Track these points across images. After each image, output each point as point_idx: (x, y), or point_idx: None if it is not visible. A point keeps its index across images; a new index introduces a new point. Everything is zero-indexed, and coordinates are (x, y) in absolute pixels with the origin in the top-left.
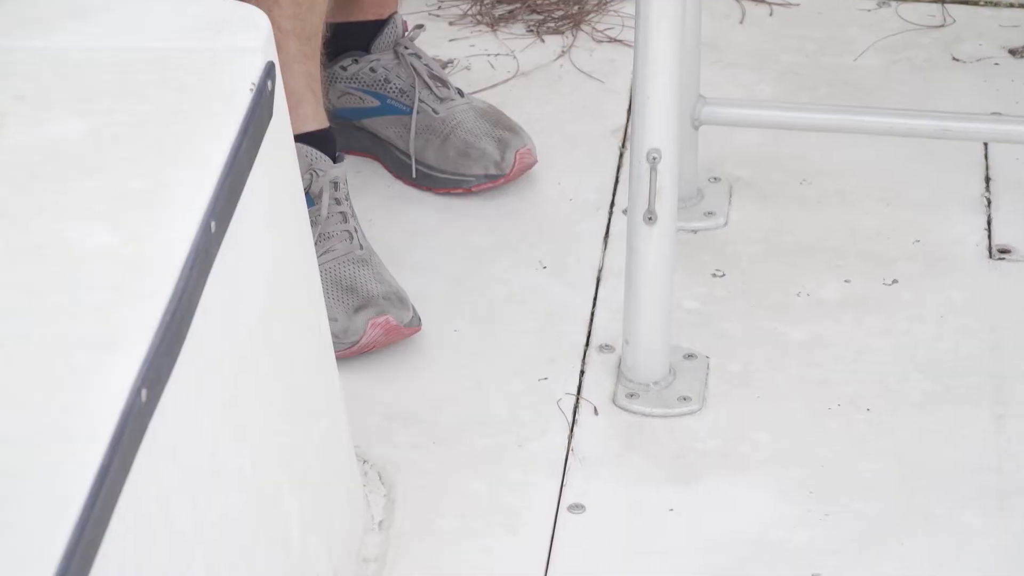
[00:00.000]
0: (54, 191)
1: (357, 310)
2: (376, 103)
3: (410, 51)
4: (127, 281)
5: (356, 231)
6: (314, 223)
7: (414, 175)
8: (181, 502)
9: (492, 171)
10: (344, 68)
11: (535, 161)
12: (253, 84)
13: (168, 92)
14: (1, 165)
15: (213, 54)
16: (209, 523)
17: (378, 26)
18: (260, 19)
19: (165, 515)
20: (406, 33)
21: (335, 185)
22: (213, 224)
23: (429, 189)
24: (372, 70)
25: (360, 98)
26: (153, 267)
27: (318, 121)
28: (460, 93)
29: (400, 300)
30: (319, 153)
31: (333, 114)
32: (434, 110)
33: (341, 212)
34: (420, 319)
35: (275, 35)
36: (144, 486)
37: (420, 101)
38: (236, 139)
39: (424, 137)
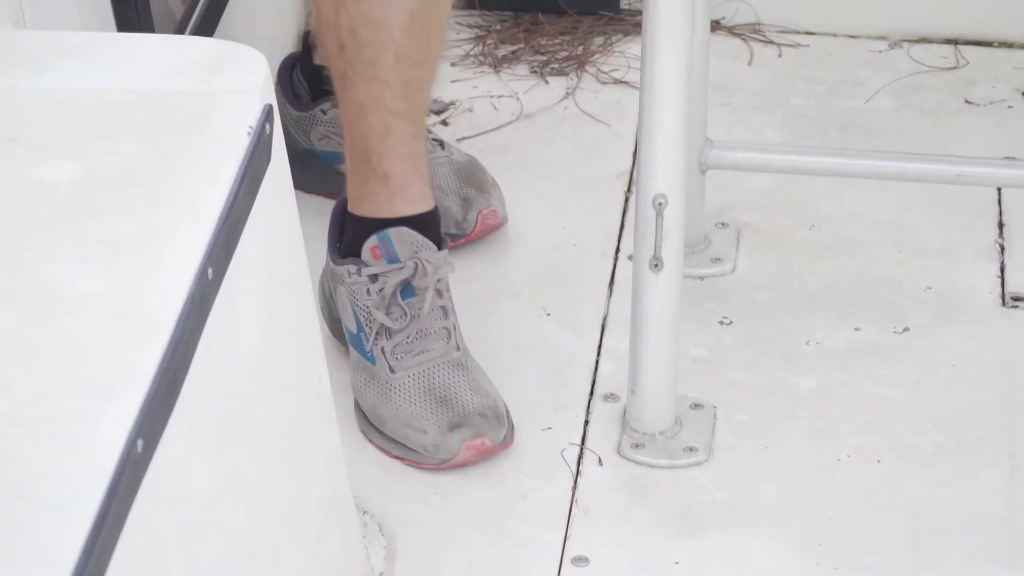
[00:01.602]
0: (44, 235)
1: (452, 428)
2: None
3: None
4: (121, 328)
5: (455, 328)
6: (414, 317)
7: None
8: (177, 556)
9: (452, 230)
10: (324, 112)
11: (501, 222)
12: (251, 127)
13: (163, 135)
14: None
15: (210, 96)
16: None
17: None
18: (258, 61)
19: (160, 569)
20: None
21: (439, 279)
22: (210, 271)
23: None
24: None
25: (339, 143)
26: (148, 314)
27: (424, 202)
28: (441, 145)
29: (496, 417)
30: (424, 240)
31: (314, 156)
32: None
33: (442, 307)
34: (513, 428)
35: (385, 118)
36: (139, 540)
37: None
38: (233, 183)
39: None
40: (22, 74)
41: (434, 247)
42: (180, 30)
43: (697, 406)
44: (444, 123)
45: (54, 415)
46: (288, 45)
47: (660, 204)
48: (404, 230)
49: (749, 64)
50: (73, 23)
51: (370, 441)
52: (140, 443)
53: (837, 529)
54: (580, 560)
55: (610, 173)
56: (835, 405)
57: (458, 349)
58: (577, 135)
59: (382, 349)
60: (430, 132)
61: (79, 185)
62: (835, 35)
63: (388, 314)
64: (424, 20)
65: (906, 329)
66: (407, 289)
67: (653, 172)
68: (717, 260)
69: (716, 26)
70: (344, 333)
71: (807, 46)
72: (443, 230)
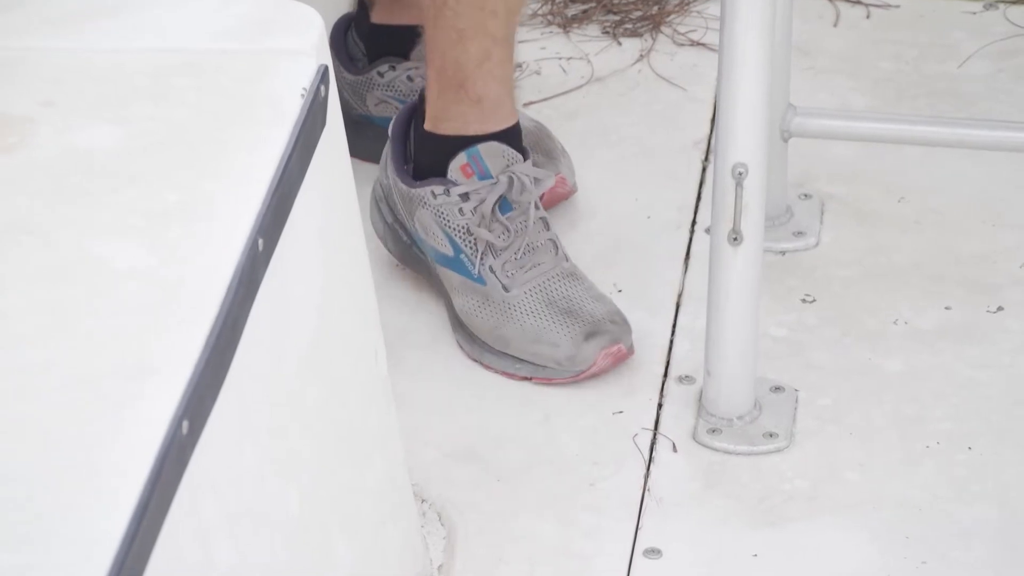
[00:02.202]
0: (84, 204)
1: (588, 337)
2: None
3: None
4: (165, 304)
5: (558, 240)
6: (517, 232)
7: None
8: (223, 543)
9: None
10: (381, 74)
11: (570, 191)
12: (304, 90)
13: (209, 98)
14: (27, 176)
15: (259, 57)
16: (253, 566)
17: (421, 31)
18: (312, 19)
19: (206, 557)
20: None
21: (536, 186)
22: (261, 242)
23: None
24: (409, 79)
25: (396, 108)
26: (194, 289)
27: (512, 117)
28: None
29: (624, 321)
30: (514, 153)
31: (371, 122)
32: None
33: (542, 218)
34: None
35: (486, 44)
36: (184, 526)
37: None
38: (286, 150)
39: None
40: (59, 34)
41: (522, 158)
42: None
43: (777, 389)
44: None
45: (95, 395)
46: (342, 4)
47: (740, 174)
48: (495, 144)
49: (835, 25)
50: None
51: (487, 367)
52: (186, 424)
53: (925, 521)
54: (652, 552)
55: (686, 141)
56: (923, 389)
57: (567, 259)
58: (651, 100)
59: (490, 268)
60: None
61: (120, 152)
62: None
63: (491, 231)
64: None
65: (1000, 308)
66: (504, 204)
67: (732, 140)
68: (799, 234)
69: None
70: (428, 258)
71: (897, 7)
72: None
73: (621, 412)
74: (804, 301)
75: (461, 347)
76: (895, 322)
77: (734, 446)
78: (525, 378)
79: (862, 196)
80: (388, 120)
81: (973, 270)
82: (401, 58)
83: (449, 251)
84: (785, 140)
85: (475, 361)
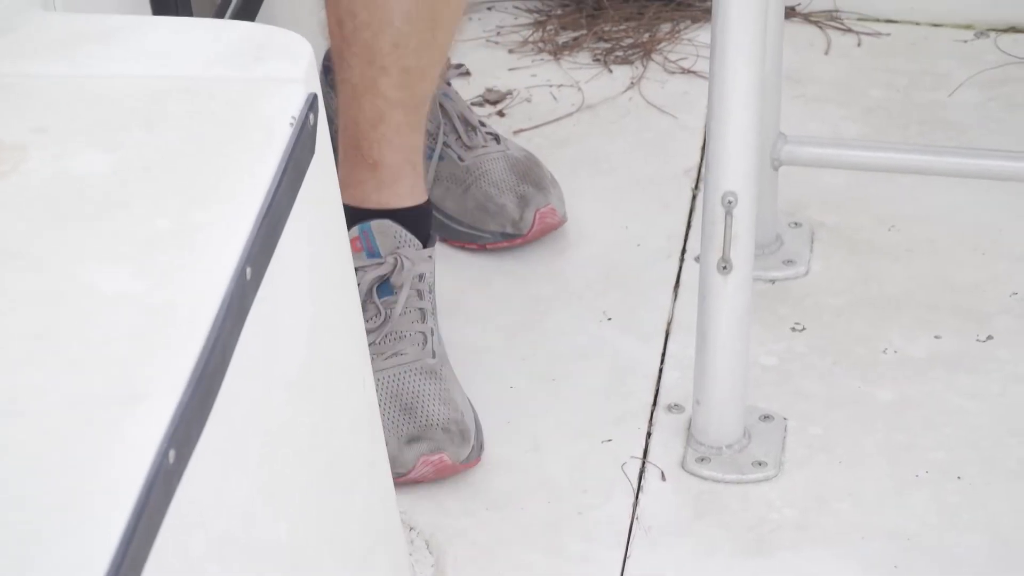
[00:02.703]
0: (75, 230)
1: (410, 441)
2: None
3: (442, 91)
4: (154, 330)
5: (432, 333)
6: (387, 318)
7: None
8: (211, 572)
9: (509, 230)
10: None
11: (560, 222)
12: (294, 118)
13: (200, 125)
14: (19, 201)
15: (250, 84)
16: None
17: None
18: (302, 47)
19: None
20: (446, 73)
21: (420, 277)
22: (249, 270)
23: (444, 240)
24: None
25: None
26: (183, 316)
27: (414, 196)
28: (496, 139)
29: (461, 433)
30: (409, 236)
31: None
32: (460, 157)
33: (420, 309)
34: (482, 447)
35: (379, 104)
36: (171, 557)
37: (445, 146)
38: (275, 177)
39: (446, 185)
40: (51, 60)
41: (418, 243)
42: (220, 14)
43: (767, 418)
44: (500, 114)
45: (81, 422)
46: None
47: (730, 202)
48: (387, 223)
49: (826, 53)
50: (106, 6)
51: None
52: (172, 453)
53: (915, 550)
54: None
55: (676, 169)
56: (914, 418)
57: (433, 356)
58: (642, 128)
59: None
60: (484, 125)
61: (111, 178)
62: (918, 23)
63: (363, 312)
64: (430, 9)
65: (990, 337)
66: (384, 287)
67: (723, 168)
68: (789, 262)
69: (791, 12)
70: None
71: (888, 35)
72: (499, 229)
73: (610, 440)
74: (794, 329)
75: None
76: (885, 351)
77: (723, 475)
78: None
79: (853, 224)
80: None
81: (964, 299)
82: None
83: None
84: (775, 168)
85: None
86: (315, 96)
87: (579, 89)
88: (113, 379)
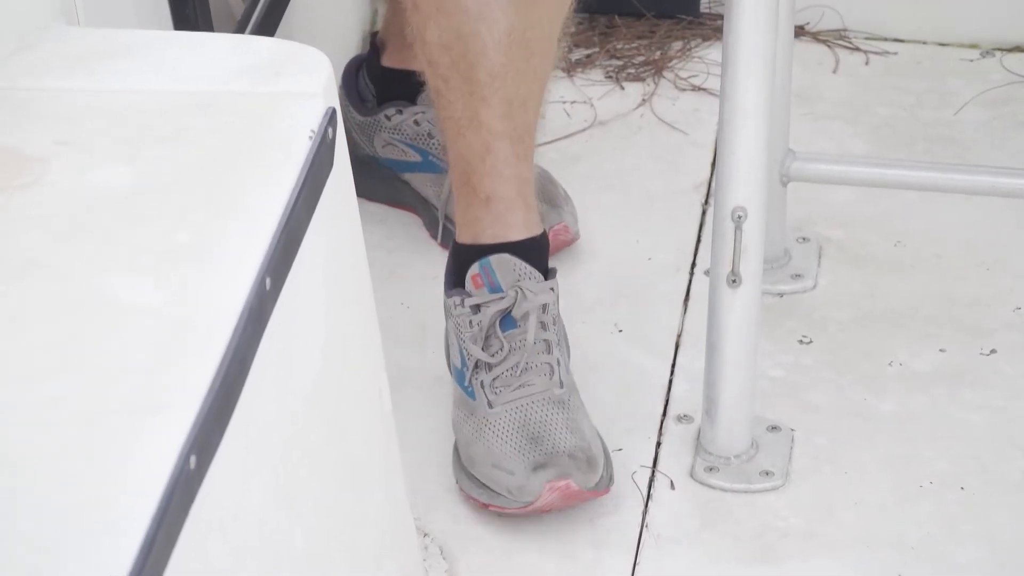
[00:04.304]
0: (96, 243)
1: (536, 468)
2: (418, 158)
3: None
4: (174, 340)
5: (559, 364)
6: (514, 349)
7: (440, 237)
8: None
9: None
10: (388, 118)
11: (573, 238)
12: (313, 131)
13: (220, 139)
14: (41, 214)
15: (269, 99)
16: None
17: None
18: (321, 62)
19: None
20: None
21: (543, 308)
22: (268, 281)
23: None
24: (416, 123)
25: (403, 151)
26: (203, 326)
27: (529, 228)
28: None
29: (588, 460)
30: (529, 268)
31: (377, 163)
32: None
33: (545, 340)
34: (612, 478)
35: (484, 137)
36: (190, 562)
37: None
38: (294, 190)
39: None
40: (74, 74)
41: (539, 275)
42: (240, 29)
43: (774, 428)
44: None
45: (105, 430)
46: (353, 46)
47: (739, 217)
48: (506, 257)
49: (834, 72)
50: (128, 21)
51: (460, 489)
52: (193, 459)
53: (918, 560)
54: None
55: (687, 184)
56: (918, 430)
57: (561, 386)
58: (653, 144)
59: (481, 383)
60: None
61: (132, 191)
62: (924, 43)
63: (486, 347)
64: (523, 38)
65: (993, 351)
66: (507, 320)
67: (732, 183)
68: (797, 276)
69: (800, 32)
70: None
71: (895, 54)
72: None
73: (621, 450)
74: (801, 343)
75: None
76: (890, 364)
77: (731, 484)
78: (483, 505)
79: (860, 240)
80: (394, 162)
81: (968, 313)
82: (408, 102)
83: (458, 362)
84: (784, 184)
85: (456, 483)
86: (334, 110)
87: (591, 106)
88: (136, 388)
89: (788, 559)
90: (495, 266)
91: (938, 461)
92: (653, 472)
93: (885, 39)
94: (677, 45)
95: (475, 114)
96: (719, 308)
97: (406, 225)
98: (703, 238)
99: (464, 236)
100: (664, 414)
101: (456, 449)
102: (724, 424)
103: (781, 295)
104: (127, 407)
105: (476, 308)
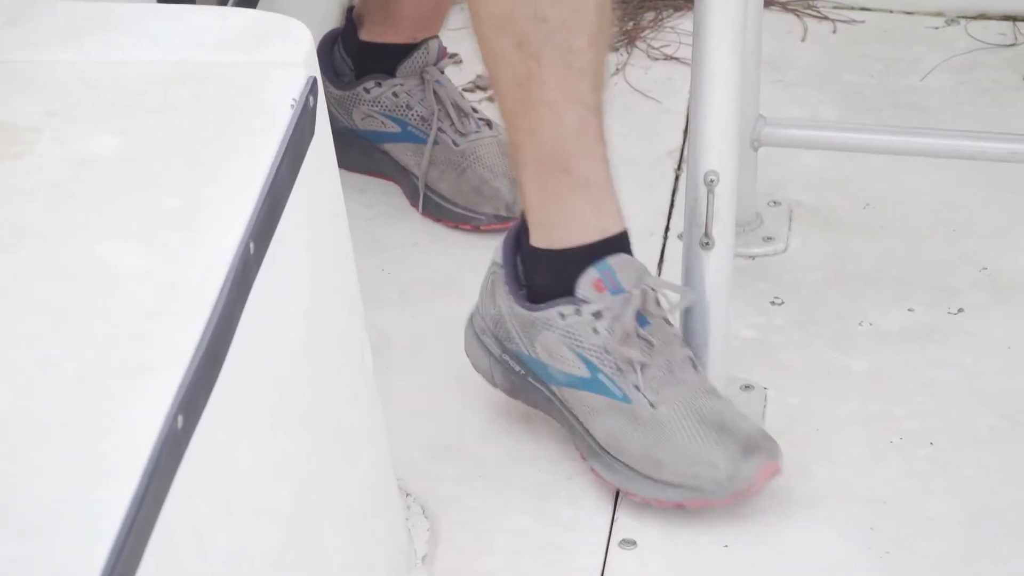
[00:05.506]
0: (86, 209)
1: (746, 454)
2: (397, 128)
3: (436, 79)
4: (162, 303)
5: (694, 356)
6: (661, 347)
7: (421, 206)
8: (218, 537)
9: (502, 212)
10: (367, 91)
11: None
12: (294, 100)
13: (205, 108)
14: (32, 182)
15: (252, 69)
16: (247, 559)
17: (407, 50)
18: (302, 33)
19: (201, 550)
20: (440, 61)
21: (657, 302)
22: (252, 245)
23: (438, 220)
24: (395, 95)
25: (382, 122)
26: (190, 289)
27: (622, 215)
28: (488, 124)
29: (767, 438)
30: (642, 265)
31: (356, 135)
32: (454, 142)
33: (676, 335)
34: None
35: (581, 113)
36: (179, 519)
37: (439, 131)
38: (276, 157)
39: (441, 168)
40: (62, 46)
41: (646, 269)
42: (223, 1)
43: (748, 387)
44: (491, 99)
45: (95, 391)
46: (331, 20)
47: (711, 181)
48: (626, 258)
49: (803, 40)
50: None
51: (630, 495)
52: (180, 419)
53: (890, 513)
54: (627, 543)
55: (660, 151)
56: (888, 388)
57: (707, 377)
58: (627, 112)
59: (635, 386)
60: (476, 111)
61: (121, 159)
62: (891, 11)
63: (635, 347)
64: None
65: (960, 310)
66: (640, 319)
67: (704, 149)
68: (769, 239)
69: (770, 1)
70: (552, 384)
71: (862, 22)
72: (493, 212)
73: None
74: (773, 304)
75: (600, 475)
76: (860, 324)
77: None
78: (678, 504)
79: (829, 203)
80: (373, 133)
81: (935, 274)
82: (387, 75)
83: (585, 373)
84: (755, 149)
85: (618, 490)
86: (315, 80)
87: None
88: (124, 350)
89: (763, 514)
90: (616, 268)
91: (908, 418)
92: None
93: (852, 8)
94: (649, 16)
95: (573, 89)
96: (693, 270)
97: (386, 194)
98: (676, 203)
99: (563, 240)
100: None
101: (611, 462)
102: None
103: (753, 258)
104: (116, 369)
105: (598, 314)
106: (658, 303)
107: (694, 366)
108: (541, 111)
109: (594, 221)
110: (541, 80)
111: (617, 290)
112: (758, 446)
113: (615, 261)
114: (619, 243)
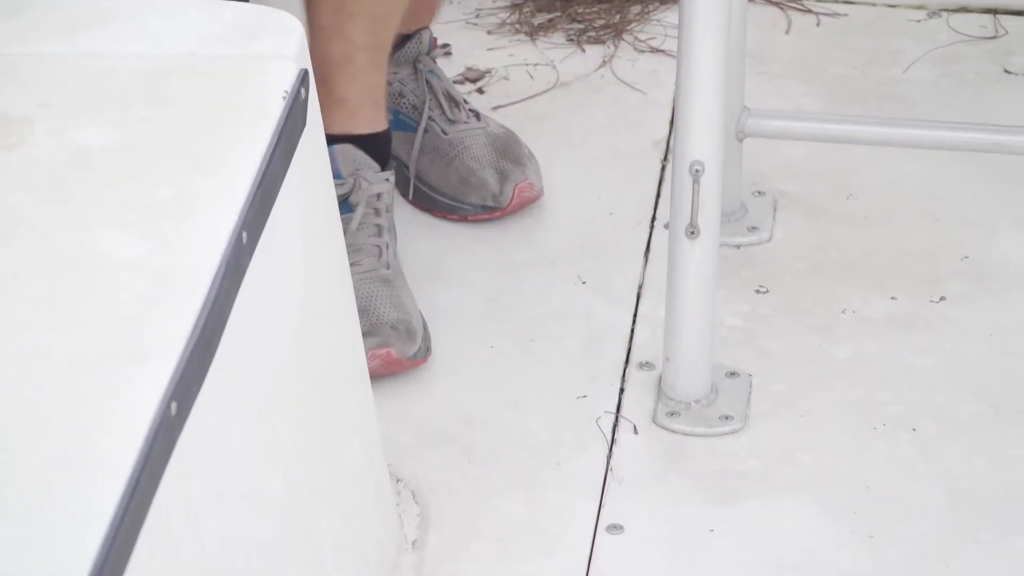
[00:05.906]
0: (80, 199)
1: (364, 336)
2: (388, 116)
3: (428, 68)
4: (156, 292)
5: (387, 248)
6: (344, 232)
7: (411, 194)
8: (211, 522)
9: (489, 203)
10: None
11: (537, 196)
12: (286, 92)
13: (198, 100)
14: (28, 173)
15: (245, 61)
16: (240, 544)
17: (401, 39)
18: (294, 25)
19: (195, 535)
20: (432, 51)
21: (377, 196)
22: (245, 235)
23: (426, 210)
24: (387, 83)
25: None
26: (183, 278)
27: (374, 125)
28: (476, 116)
29: (408, 332)
30: (368, 159)
31: None
32: (443, 131)
33: (376, 225)
34: (429, 348)
35: (345, 48)
36: (173, 504)
37: (429, 120)
38: (268, 148)
39: (430, 158)
40: (57, 40)
41: (377, 167)
42: None
43: (733, 375)
44: (480, 91)
45: (90, 378)
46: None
47: (697, 171)
48: (348, 147)
49: (787, 33)
50: None
51: None
52: (174, 405)
53: (873, 498)
54: (615, 528)
55: (646, 142)
56: (871, 375)
57: (388, 267)
58: (614, 104)
59: None
60: (466, 102)
61: (114, 150)
62: (874, 4)
63: None
64: None
65: (943, 298)
66: (345, 205)
67: (690, 139)
68: (753, 229)
69: None
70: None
71: (845, 15)
72: (480, 202)
73: (585, 396)
74: (758, 292)
75: None
76: (844, 312)
77: (692, 428)
78: None
79: (813, 193)
80: None
81: (918, 263)
82: None
83: None
84: (740, 140)
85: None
86: (306, 72)
87: (554, 68)
88: (119, 338)
89: (748, 499)
90: (338, 155)
91: (891, 404)
92: (617, 417)
93: (836, 1)
94: (636, 8)
95: (341, 27)
96: (678, 259)
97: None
98: (663, 193)
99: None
100: (627, 362)
101: None
102: (684, 370)
103: (738, 247)
104: (110, 356)
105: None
106: (376, 195)
107: (378, 254)
108: (316, 32)
109: (338, 125)
110: (318, 10)
111: (335, 175)
112: (375, 332)
113: (339, 150)
114: (360, 141)
